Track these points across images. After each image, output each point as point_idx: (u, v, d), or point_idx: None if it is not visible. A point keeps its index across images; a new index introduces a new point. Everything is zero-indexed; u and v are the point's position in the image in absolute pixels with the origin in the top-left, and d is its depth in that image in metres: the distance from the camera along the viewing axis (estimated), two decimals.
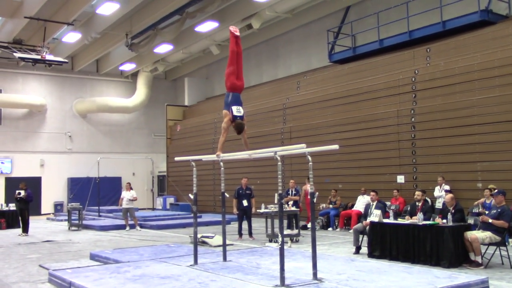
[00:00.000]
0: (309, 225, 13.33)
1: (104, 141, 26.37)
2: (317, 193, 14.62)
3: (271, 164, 14.59)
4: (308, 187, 14.05)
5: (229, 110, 6.72)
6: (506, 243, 8.31)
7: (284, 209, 10.82)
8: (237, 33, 7.06)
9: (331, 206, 14.60)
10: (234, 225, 13.62)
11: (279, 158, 6.22)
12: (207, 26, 19.90)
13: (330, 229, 14.22)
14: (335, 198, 14.81)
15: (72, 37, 20.81)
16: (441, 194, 11.96)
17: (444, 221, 8.42)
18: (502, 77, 12.10)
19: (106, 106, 25.77)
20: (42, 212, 23.83)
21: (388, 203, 12.39)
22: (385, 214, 9.62)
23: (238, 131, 6.73)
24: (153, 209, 24.36)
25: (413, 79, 14.12)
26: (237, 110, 6.72)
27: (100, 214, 19.87)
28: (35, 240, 13.24)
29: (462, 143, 12.62)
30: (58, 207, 24.36)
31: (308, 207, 14.04)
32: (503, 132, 11.80)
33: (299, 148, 6.41)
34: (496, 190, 9.13)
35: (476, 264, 7.92)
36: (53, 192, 24.50)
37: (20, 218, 15.15)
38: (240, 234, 12.54)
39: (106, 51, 23.01)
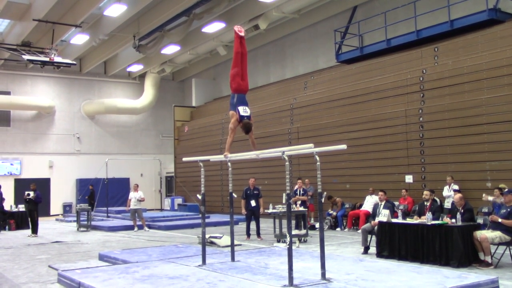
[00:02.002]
0: (317, 225, 13.32)
1: (112, 142, 26.50)
2: (325, 193, 14.64)
3: (279, 164, 14.60)
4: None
5: (235, 111, 6.72)
6: None
7: (292, 209, 10.80)
8: (242, 34, 7.01)
9: (334, 213, 14.55)
10: (242, 226, 13.62)
11: (286, 158, 6.22)
12: (214, 27, 19.94)
13: (338, 229, 14.19)
14: (333, 202, 14.80)
15: (80, 39, 20.93)
16: (450, 194, 11.89)
17: (453, 220, 8.38)
18: (510, 76, 12.02)
19: (114, 108, 25.90)
20: (51, 213, 24.00)
21: (396, 203, 12.35)
22: (393, 214, 9.59)
23: (246, 131, 6.72)
24: (161, 209, 24.48)
25: (421, 79, 14.06)
26: (243, 110, 6.72)
27: (109, 215, 19.96)
28: (44, 241, 13.32)
29: (470, 143, 12.55)
30: (67, 208, 24.51)
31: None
32: None
33: (307, 148, 6.41)
34: (506, 190, 9.07)
35: (486, 264, 7.87)
36: (62, 193, 24.66)
37: (29, 219, 15.25)
38: (248, 234, 12.54)
39: (114, 52, 23.12)
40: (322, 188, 6.89)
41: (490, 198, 10.44)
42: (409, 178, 13.85)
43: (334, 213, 14.52)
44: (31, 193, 14.95)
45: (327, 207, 14.97)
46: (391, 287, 5.88)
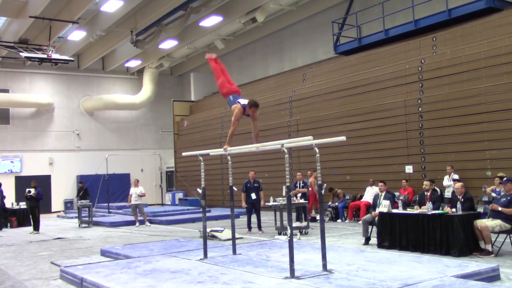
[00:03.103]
0: (318, 217, 13.34)
1: (112, 138, 26.50)
2: (325, 184, 14.64)
3: (278, 157, 14.60)
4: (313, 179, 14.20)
5: (237, 103, 6.85)
6: None
7: (292, 202, 10.82)
8: (213, 56, 7.52)
9: (336, 204, 14.56)
10: (243, 219, 13.65)
11: (286, 150, 6.22)
12: (211, 21, 19.87)
13: (339, 220, 14.22)
14: (334, 194, 14.81)
15: (77, 35, 20.88)
16: (450, 183, 11.91)
17: (454, 210, 8.39)
18: (509, 64, 12.00)
19: (113, 103, 25.88)
20: (53, 210, 24.05)
21: (397, 194, 12.36)
22: (394, 205, 9.60)
23: (255, 106, 6.84)
24: (162, 204, 24.51)
25: (420, 69, 14.04)
26: (244, 100, 6.90)
27: (110, 210, 20.00)
28: (46, 238, 13.35)
29: (470, 132, 12.55)
30: (68, 204, 24.56)
31: (312, 199, 14.03)
32: (511, 119, 11.71)
33: (306, 140, 6.41)
34: (505, 178, 9.07)
35: (487, 253, 7.89)
36: (62, 190, 24.70)
37: (31, 216, 15.29)
38: (249, 227, 12.57)
39: (112, 48, 23.07)
40: (322, 180, 6.89)
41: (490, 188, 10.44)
42: (409, 169, 13.87)
43: (336, 204, 14.54)
44: (32, 190, 15.01)
45: (327, 199, 15.00)
46: (392, 277, 5.90)
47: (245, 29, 20.84)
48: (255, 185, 12.71)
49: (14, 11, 18.94)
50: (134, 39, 20.39)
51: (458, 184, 8.91)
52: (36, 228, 14.84)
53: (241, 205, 12.82)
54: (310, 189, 14.05)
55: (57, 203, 24.49)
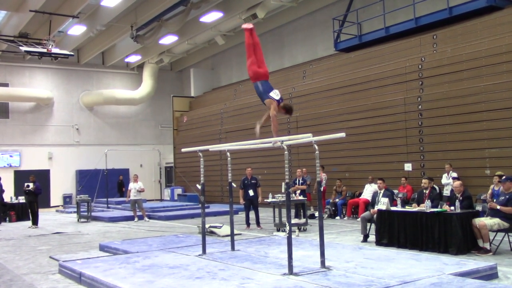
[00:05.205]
0: (316, 214, 13.36)
1: (111, 133, 26.49)
2: (324, 181, 14.66)
3: (278, 153, 14.59)
4: (322, 175, 14.26)
5: (270, 98, 6.55)
6: None
7: (291, 199, 10.83)
8: (250, 26, 6.93)
9: (337, 200, 14.55)
10: (242, 215, 13.66)
11: (285, 147, 6.23)
12: (211, 17, 19.85)
13: (337, 217, 14.23)
14: (340, 189, 14.79)
15: (77, 29, 20.84)
16: (448, 182, 11.90)
17: (452, 208, 8.40)
18: (510, 63, 11.99)
19: (112, 98, 25.85)
20: (51, 205, 24.06)
21: (395, 191, 12.37)
22: (392, 202, 9.61)
23: (290, 112, 6.82)
24: (161, 200, 24.52)
25: (420, 67, 14.03)
26: (276, 95, 6.56)
27: (109, 205, 20.01)
28: (45, 232, 13.36)
29: (470, 130, 12.55)
30: (67, 199, 24.57)
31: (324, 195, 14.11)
32: (511, 118, 11.71)
33: (306, 138, 6.41)
34: (504, 177, 9.08)
35: (485, 251, 7.90)
36: (61, 185, 24.70)
37: (29, 210, 15.29)
38: (248, 223, 12.58)
39: (112, 43, 23.03)
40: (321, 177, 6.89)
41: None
42: (408, 166, 13.88)
43: (336, 200, 14.53)
44: (31, 185, 15.00)
45: (329, 195, 15.01)
46: (391, 274, 5.91)
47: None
48: (253, 181, 12.69)
49: (15, 5, 18.90)
50: (134, 34, 20.37)
51: (457, 183, 8.92)
52: (35, 222, 14.85)
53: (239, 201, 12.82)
54: (309, 185, 14.10)
55: (56, 198, 24.50)
